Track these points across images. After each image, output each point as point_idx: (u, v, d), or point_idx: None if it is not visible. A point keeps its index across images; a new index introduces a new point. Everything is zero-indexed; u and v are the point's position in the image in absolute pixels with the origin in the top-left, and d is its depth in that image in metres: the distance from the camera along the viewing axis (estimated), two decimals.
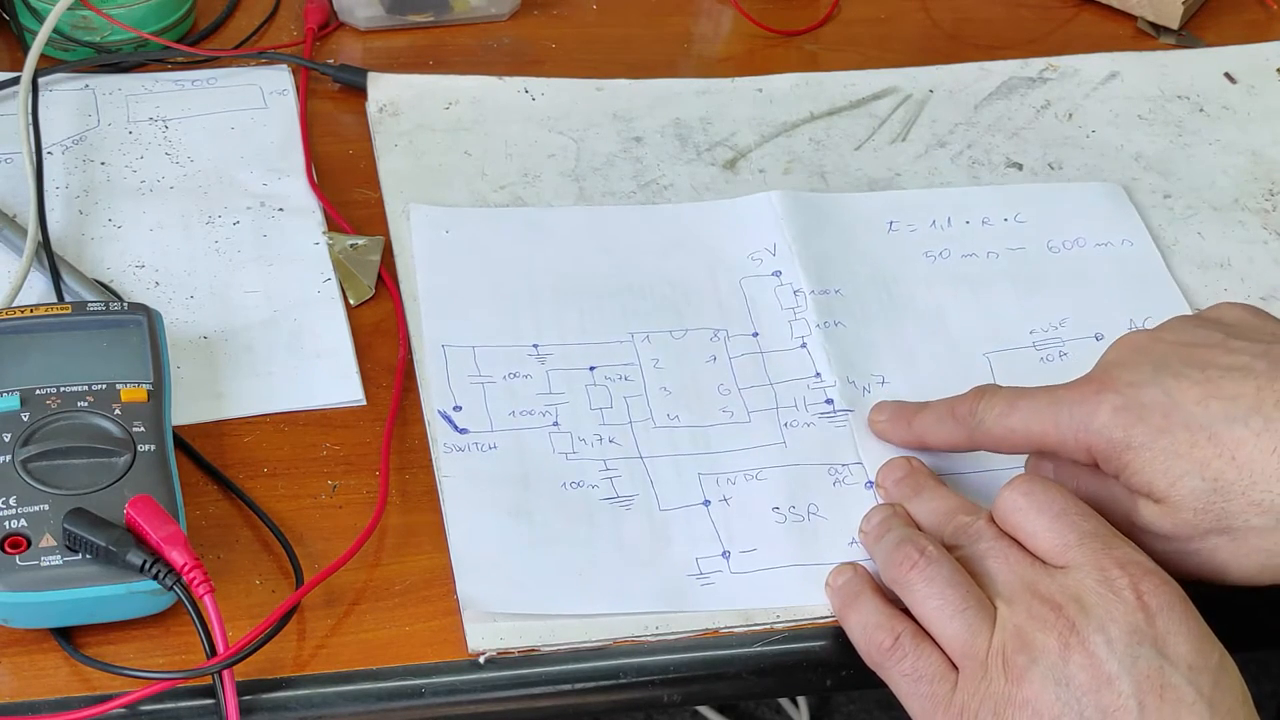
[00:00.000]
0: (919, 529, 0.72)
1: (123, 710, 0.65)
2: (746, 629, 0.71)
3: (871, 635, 0.68)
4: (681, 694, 0.71)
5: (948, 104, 0.99)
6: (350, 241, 0.86)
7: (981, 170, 0.95)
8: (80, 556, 0.66)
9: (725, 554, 0.73)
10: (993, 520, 0.69)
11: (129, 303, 0.76)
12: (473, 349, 0.81)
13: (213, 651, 0.65)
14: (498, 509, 0.74)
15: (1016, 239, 0.90)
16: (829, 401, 0.80)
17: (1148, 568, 0.65)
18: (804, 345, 0.83)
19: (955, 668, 0.65)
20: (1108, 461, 0.70)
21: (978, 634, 0.65)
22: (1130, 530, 0.69)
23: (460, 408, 0.78)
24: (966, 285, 0.87)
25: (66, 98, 0.93)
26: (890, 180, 0.93)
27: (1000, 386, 0.74)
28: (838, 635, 0.70)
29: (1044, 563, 0.66)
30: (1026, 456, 0.76)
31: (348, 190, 0.90)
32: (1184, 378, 0.68)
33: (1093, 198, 0.93)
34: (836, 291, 0.85)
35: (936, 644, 0.66)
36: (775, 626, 0.71)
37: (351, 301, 0.83)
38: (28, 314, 0.74)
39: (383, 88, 0.95)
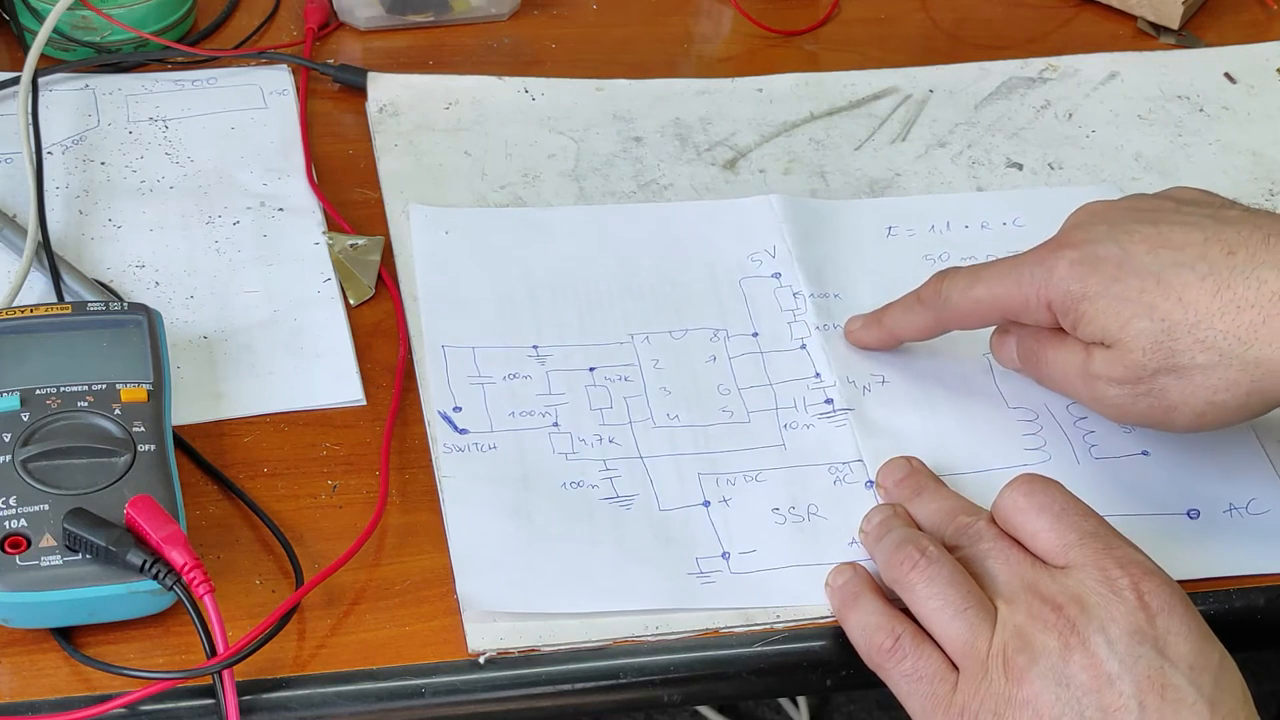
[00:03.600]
0: (919, 529, 0.72)
1: (123, 710, 0.65)
2: (746, 629, 0.71)
3: (871, 636, 0.68)
4: (681, 694, 0.71)
5: (948, 104, 0.99)
6: (350, 241, 0.86)
7: (981, 170, 0.95)
8: (80, 556, 0.66)
9: (725, 554, 0.73)
10: (993, 521, 0.69)
11: (129, 303, 0.76)
12: (472, 350, 0.81)
13: (213, 651, 0.65)
14: (498, 509, 0.74)
15: (1016, 242, 0.89)
16: (829, 401, 0.80)
17: (1148, 568, 0.65)
18: (803, 347, 0.83)
19: (955, 668, 0.66)
20: (1065, 314, 0.73)
21: (978, 634, 0.65)
22: (1086, 380, 0.73)
23: (460, 408, 0.78)
24: None
25: (66, 98, 0.93)
26: (890, 180, 0.93)
27: (961, 266, 0.78)
28: (838, 635, 0.70)
29: (1045, 563, 0.66)
30: (1017, 442, 0.77)
31: (348, 190, 0.90)
32: (1135, 233, 0.72)
33: None
34: (836, 295, 0.85)
35: (936, 644, 0.66)
36: (775, 626, 0.71)
37: (351, 301, 0.83)
38: (28, 314, 0.74)
39: (383, 88, 0.95)
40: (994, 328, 0.80)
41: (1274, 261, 0.69)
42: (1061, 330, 0.74)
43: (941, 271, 0.78)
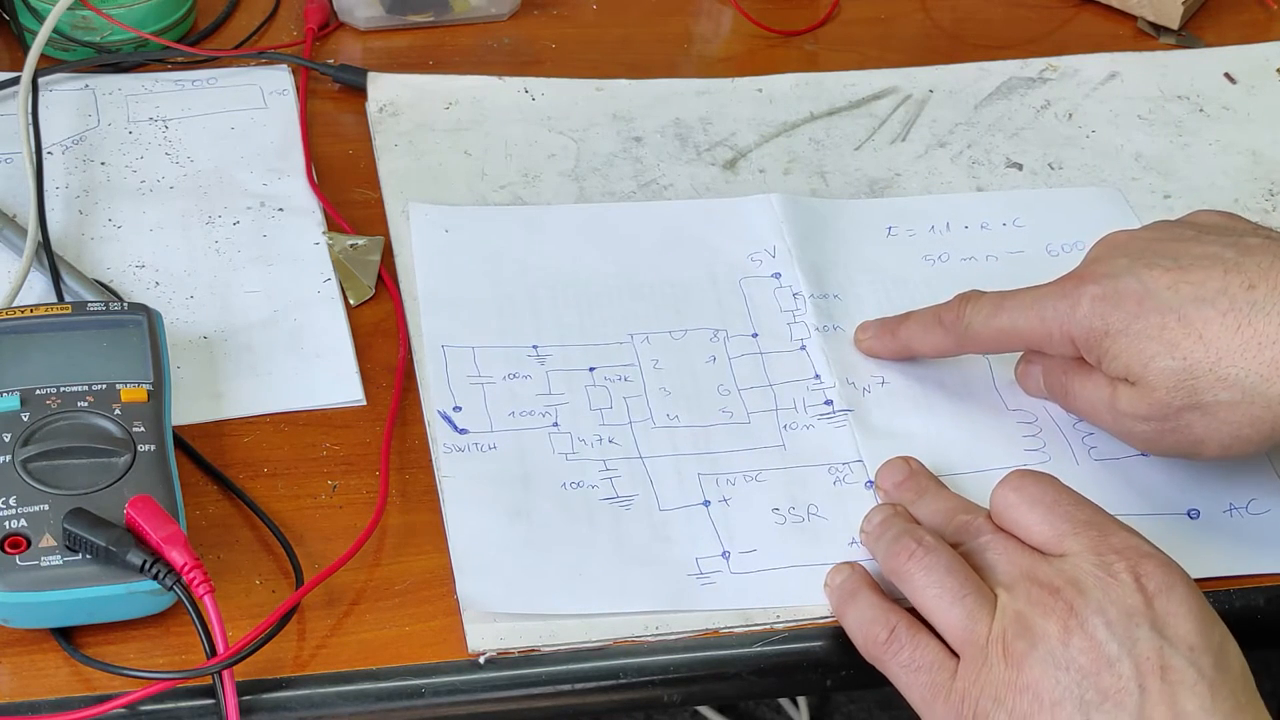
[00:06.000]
0: None
1: (123, 710, 0.65)
2: (746, 629, 0.71)
3: (868, 630, 0.68)
4: (681, 694, 0.71)
5: (948, 104, 0.99)
6: (350, 241, 0.86)
7: (981, 170, 0.95)
8: (80, 556, 0.66)
9: (725, 554, 0.74)
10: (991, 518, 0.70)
11: (129, 303, 0.76)
12: (472, 349, 0.81)
13: (213, 651, 0.65)
14: (498, 509, 0.74)
15: (1016, 243, 0.90)
16: (828, 402, 0.80)
17: (1145, 550, 0.65)
18: (803, 348, 0.83)
19: (954, 656, 0.66)
20: (1089, 350, 0.73)
21: (977, 621, 0.65)
22: (1114, 415, 0.73)
23: (460, 408, 0.78)
24: (966, 289, 0.86)
25: (66, 98, 0.93)
26: (890, 180, 0.93)
27: (983, 291, 0.78)
28: (838, 635, 0.71)
29: (1043, 553, 0.67)
30: (1019, 447, 0.77)
31: (348, 190, 0.90)
32: (1156, 266, 0.72)
33: (1091, 202, 0.93)
34: (835, 296, 0.85)
35: (934, 634, 0.67)
36: (775, 626, 0.71)
37: (351, 301, 0.83)
38: (28, 314, 0.74)
39: (383, 88, 0.95)
40: (998, 357, 0.81)
41: None
42: (1086, 361, 0.74)
43: (964, 295, 0.78)
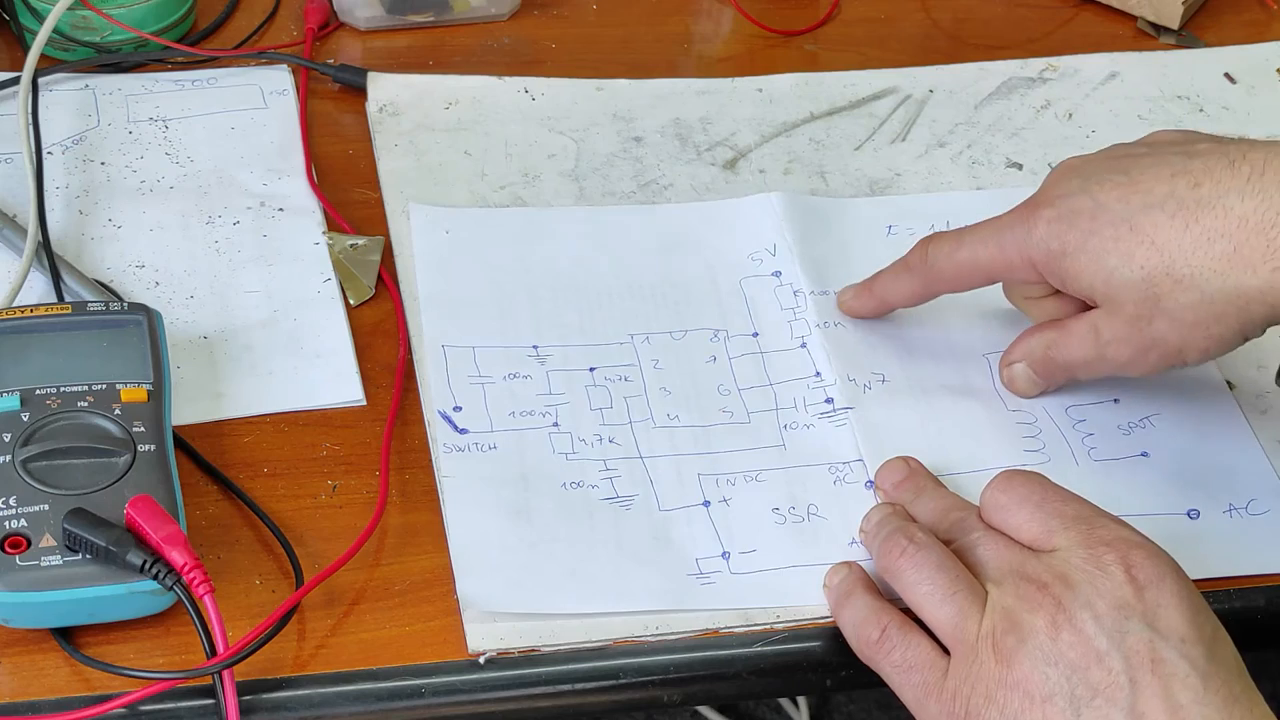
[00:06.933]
0: None
1: (123, 710, 0.65)
2: (746, 629, 0.71)
3: (860, 630, 0.68)
4: (681, 694, 0.71)
5: (948, 104, 0.99)
6: (350, 241, 0.86)
7: (981, 170, 0.95)
8: (80, 556, 0.66)
9: (725, 554, 0.74)
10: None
11: (129, 303, 0.76)
12: (473, 349, 0.81)
13: (213, 651, 0.65)
14: (498, 509, 0.74)
15: None
16: (829, 400, 0.80)
17: (1134, 541, 0.65)
18: (804, 345, 0.83)
19: (946, 654, 0.66)
20: (1050, 272, 0.74)
21: (968, 617, 0.65)
22: (1100, 349, 0.74)
23: (460, 408, 0.78)
24: None
25: (66, 98, 0.93)
26: (890, 180, 0.93)
27: (945, 231, 0.79)
28: (837, 635, 0.71)
29: (1033, 549, 0.67)
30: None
31: (348, 190, 0.90)
32: (1107, 182, 0.73)
33: None
34: (836, 292, 0.85)
35: (926, 634, 0.67)
36: (775, 626, 0.71)
37: (351, 301, 0.83)
38: (28, 314, 0.74)
39: (383, 88, 0.95)
40: (998, 357, 0.81)
41: (1239, 186, 0.69)
42: (1056, 322, 0.76)
43: (927, 237, 0.79)
